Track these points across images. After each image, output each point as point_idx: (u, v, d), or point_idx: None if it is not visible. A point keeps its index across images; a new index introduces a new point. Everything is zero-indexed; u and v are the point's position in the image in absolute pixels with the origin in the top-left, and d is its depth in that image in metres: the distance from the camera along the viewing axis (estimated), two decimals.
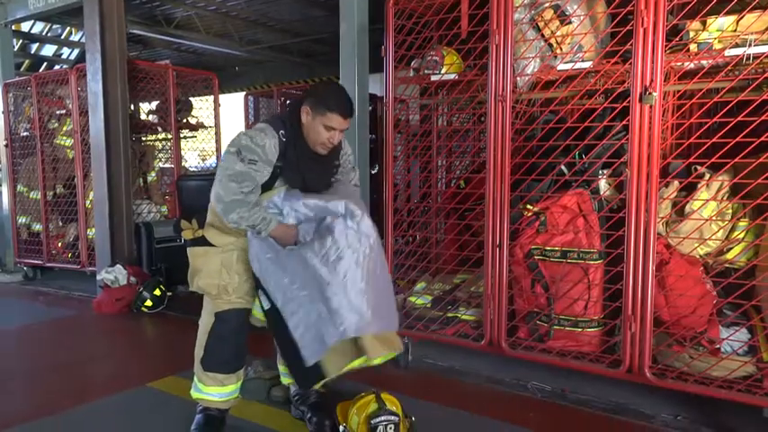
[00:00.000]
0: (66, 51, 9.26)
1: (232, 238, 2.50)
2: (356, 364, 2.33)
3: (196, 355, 2.55)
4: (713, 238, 2.71)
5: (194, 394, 2.58)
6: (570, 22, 2.87)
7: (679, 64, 2.68)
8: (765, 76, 2.56)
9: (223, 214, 2.33)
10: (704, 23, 2.61)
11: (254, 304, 2.58)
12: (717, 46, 2.60)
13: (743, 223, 2.70)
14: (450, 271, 3.40)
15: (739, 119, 2.45)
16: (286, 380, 2.77)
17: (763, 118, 2.42)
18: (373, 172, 6.19)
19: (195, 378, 2.57)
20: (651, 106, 2.60)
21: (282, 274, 2.36)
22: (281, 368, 2.76)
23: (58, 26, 8.52)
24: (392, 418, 2.36)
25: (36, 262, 6.28)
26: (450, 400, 2.96)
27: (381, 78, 3.48)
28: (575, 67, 2.87)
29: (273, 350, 2.73)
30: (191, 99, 6.49)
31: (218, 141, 6.66)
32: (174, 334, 4.26)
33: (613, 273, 2.77)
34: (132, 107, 5.79)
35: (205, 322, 2.55)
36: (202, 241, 2.52)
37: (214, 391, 2.54)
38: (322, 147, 2.44)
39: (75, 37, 8.80)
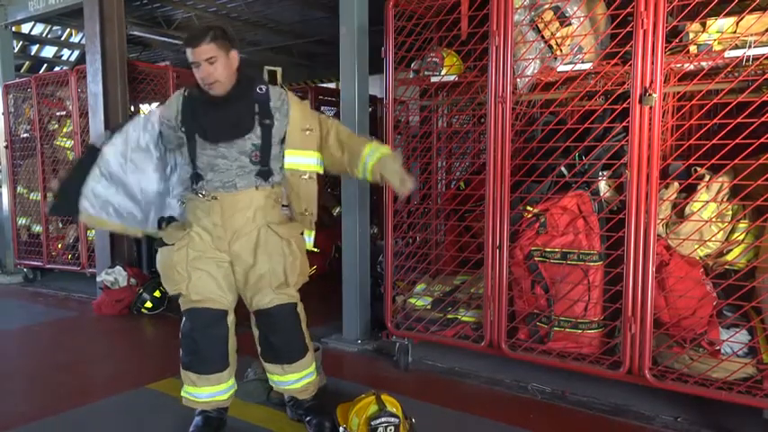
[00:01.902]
0: (66, 53, 9.27)
1: (182, 233, 2.50)
2: None
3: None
4: (713, 239, 2.71)
5: (181, 393, 2.60)
6: (570, 24, 2.88)
7: (679, 65, 2.68)
8: (765, 77, 2.56)
9: None
10: (704, 25, 2.61)
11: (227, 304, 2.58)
12: (716, 47, 2.60)
13: (743, 225, 2.70)
14: (451, 272, 3.40)
15: (739, 120, 2.45)
16: (271, 383, 2.73)
17: (763, 119, 2.43)
18: None
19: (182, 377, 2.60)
20: (651, 108, 2.60)
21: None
22: (270, 375, 2.70)
23: (58, 28, 8.52)
24: (392, 419, 2.36)
25: (36, 263, 6.28)
26: (450, 401, 2.96)
27: (381, 80, 3.48)
28: (575, 69, 2.87)
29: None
30: None
31: None
32: (174, 336, 4.21)
33: (613, 274, 2.77)
34: (132, 108, 5.79)
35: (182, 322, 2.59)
36: (161, 242, 2.55)
37: (192, 390, 2.54)
38: (207, 87, 2.40)
39: (75, 38, 8.81)
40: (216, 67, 2.35)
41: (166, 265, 2.50)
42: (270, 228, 2.50)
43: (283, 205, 2.64)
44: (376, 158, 2.50)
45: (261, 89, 2.48)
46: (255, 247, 2.49)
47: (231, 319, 2.58)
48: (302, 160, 2.56)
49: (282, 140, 2.52)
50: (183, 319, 2.54)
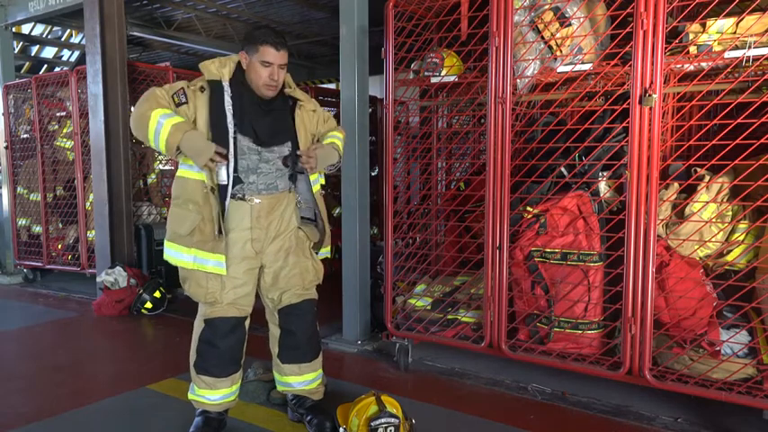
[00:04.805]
0: (66, 53, 9.27)
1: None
2: None
3: (190, 358, 2.57)
4: (713, 240, 2.71)
5: (190, 395, 2.60)
6: (570, 25, 2.88)
7: (679, 66, 2.68)
8: (765, 77, 2.56)
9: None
10: (704, 25, 2.62)
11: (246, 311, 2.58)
12: (716, 48, 2.60)
13: (743, 225, 2.70)
14: (451, 273, 3.40)
15: (739, 121, 2.45)
16: (280, 387, 2.77)
17: (762, 120, 2.43)
18: (373, 174, 6.20)
19: (191, 379, 2.59)
20: (651, 108, 2.60)
21: None
22: (276, 375, 2.77)
23: (58, 28, 8.52)
24: (392, 420, 2.36)
25: (36, 264, 6.28)
26: (450, 402, 2.96)
27: (381, 80, 3.48)
28: (575, 69, 2.87)
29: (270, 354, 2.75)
30: None
31: None
32: (174, 336, 4.26)
33: (613, 275, 2.77)
34: (132, 109, 5.79)
35: (196, 327, 2.57)
36: None
37: (207, 393, 2.54)
38: (266, 88, 2.41)
39: (75, 39, 8.81)
40: (282, 73, 2.43)
41: (198, 274, 2.47)
42: (300, 229, 2.63)
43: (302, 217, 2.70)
44: (327, 141, 2.63)
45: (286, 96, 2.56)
46: (289, 248, 2.59)
47: (248, 322, 2.62)
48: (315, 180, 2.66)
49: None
50: (203, 325, 2.52)
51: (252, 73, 2.40)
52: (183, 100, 2.38)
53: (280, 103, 2.51)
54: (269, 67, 2.37)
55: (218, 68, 2.43)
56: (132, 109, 5.40)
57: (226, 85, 2.42)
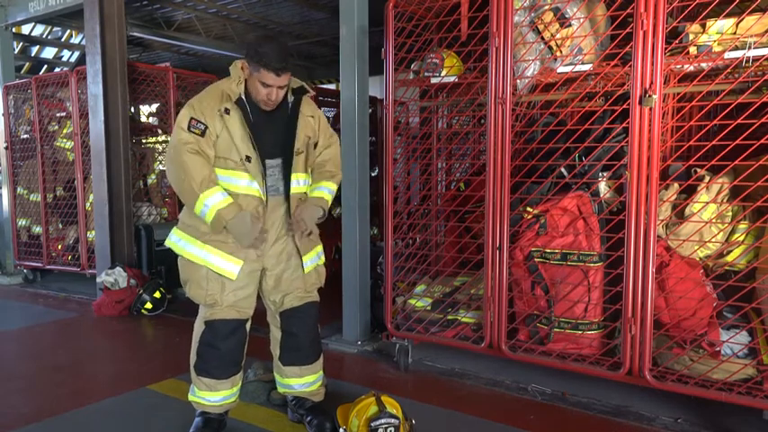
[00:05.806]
0: (66, 54, 9.27)
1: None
2: None
3: (190, 360, 2.57)
4: (713, 240, 2.71)
5: (190, 397, 2.60)
6: (570, 25, 2.88)
7: (679, 66, 2.68)
8: (765, 78, 2.56)
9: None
10: (704, 26, 2.62)
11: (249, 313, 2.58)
12: (716, 48, 2.60)
13: (743, 225, 2.70)
14: (451, 273, 3.40)
15: (739, 121, 2.45)
16: (280, 388, 2.77)
17: (762, 120, 2.43)
18: (373, 174, 6.20)
19: (192, 381, 2.59)
20: (651, 109, 2.60)
21: None
22: (277, 376, 2.77)
23: (58, 29, 8.52)
24: (392, 420, 2.36)
25: (36, 264, 6.29)
26: (450, 402, 2.96)
27: (381, 81, 3.48)
28: (575, 70, 2.87)
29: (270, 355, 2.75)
30: None
31: None
32: (174, 336, 4.26)
33: (613, 275, 2.77)
34: (132, 109, 5.80)
35: (196, 329, 2.56)
36: None
37: (207, 395, 2.54)
38: (264, 104, 2.42)
39: (75, 39, 8.81)
40: (282, 92, 2.42)
41: (200, 276, 2.47)
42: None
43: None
44: (314, 194, 2.59)
45: (288, 101, 2.54)
46: (291, 250, 2.58)
47: (249, 324, 2.61)
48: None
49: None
50: (203, 327, 2.51)
51: (251, 87, 2.41)
52: (202, 128, 2.38)
53: (279, 112, 2.51)
54: (266, 88, 2.37)
55: (237, 86, 2.42)
56: (129, 108, 5.41)
57: (243, 101, 2.42)
